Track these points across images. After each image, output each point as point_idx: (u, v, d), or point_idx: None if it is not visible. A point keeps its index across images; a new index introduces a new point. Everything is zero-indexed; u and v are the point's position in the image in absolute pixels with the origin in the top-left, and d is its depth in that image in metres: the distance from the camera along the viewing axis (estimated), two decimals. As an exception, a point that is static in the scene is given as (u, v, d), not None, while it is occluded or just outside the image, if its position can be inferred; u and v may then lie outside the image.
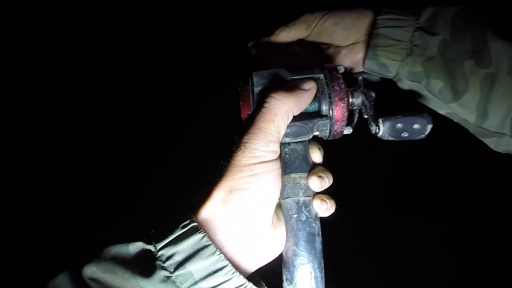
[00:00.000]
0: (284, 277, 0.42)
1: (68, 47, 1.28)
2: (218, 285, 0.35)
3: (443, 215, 1.08)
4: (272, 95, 0.39)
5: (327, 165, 0.46)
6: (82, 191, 1.08)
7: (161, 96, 1.24)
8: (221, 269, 0.35)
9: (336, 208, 0.44)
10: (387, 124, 0.42)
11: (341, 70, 0.45)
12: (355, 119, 0.47)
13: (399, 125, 0.42)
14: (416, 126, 0.42)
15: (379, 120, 0.43)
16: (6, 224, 1.04)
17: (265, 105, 0.39)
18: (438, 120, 0.46)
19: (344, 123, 0.43)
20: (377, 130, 0.43)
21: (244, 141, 0.38)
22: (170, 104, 1.22)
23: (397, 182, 0.95)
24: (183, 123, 1.20)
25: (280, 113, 0.39)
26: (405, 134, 0.43)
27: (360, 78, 0.46)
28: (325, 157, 0.46)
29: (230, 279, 0.35)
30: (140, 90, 1.26)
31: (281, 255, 0.43)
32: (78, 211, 1.03)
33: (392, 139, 0.44)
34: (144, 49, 1.30)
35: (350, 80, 0.46)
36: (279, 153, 0.40)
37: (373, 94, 0.45)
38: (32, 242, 0.97)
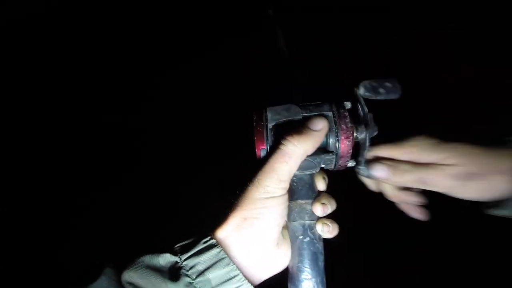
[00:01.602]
0: None
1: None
2: None
3: (450, 240, 1.09)
4: (288, 138, 0.44)
5: (331, 192, 0.51)
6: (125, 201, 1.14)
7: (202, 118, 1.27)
8: (234, 277, 0.42)
9: (340, 231, 0.49)
10: (367, 169, 0.49)
11: (348, 106, 0.49)
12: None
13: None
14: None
15: (362, 166, 0.49)
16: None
17: (281, 147, 0.44)
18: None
19: (349, 158, 0.48)
20: (359, 171, 0.50)
21: (258, 178, 0.44)
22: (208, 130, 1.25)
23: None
24: (177, 114, 1.21)
25: (295, 157, 0.44)
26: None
27: (363, 109, 0.48)
28: (329, 184, 0.52)
29: (241, 285, 0.42)
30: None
31: (286, 270, 0.49)
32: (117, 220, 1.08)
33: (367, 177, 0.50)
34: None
35: (356, 113, 0.49)
36: (288, 188, 0.46)
37: (376, 129, 0.48)
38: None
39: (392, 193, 0.53)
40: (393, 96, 0.46)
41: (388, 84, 0.46)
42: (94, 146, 1.22)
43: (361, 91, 0.46)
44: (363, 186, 0.56)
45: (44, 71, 1.29)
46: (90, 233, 1.06)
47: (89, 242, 0.99)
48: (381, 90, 0.46)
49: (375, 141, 0.49)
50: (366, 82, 0.46)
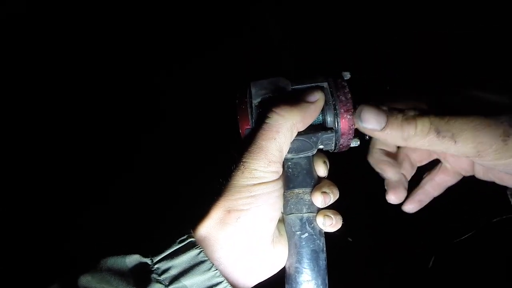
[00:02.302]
0: None
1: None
2: None
3: (459, 229, 1.05)
4: (274, 109, 0.36)
5: (334, 178, 0.44)
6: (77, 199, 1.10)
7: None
8: (216, 285, 0.35)
9: (343, 224, 0.42)
10: None
11: (347, 77, 0.42)
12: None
13: None
14: None
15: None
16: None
17: (267, 120, 0.36)
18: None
19: (351, 135, 0.41)
20: (367, 138, 0.42)
21: (244, 160, 0.36)
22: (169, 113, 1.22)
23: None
24: (176, 114, 1.19)
25: (283, 130, 0.36)
26: None
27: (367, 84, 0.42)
28: (330, 170, 0.44)
29: None
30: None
31: (283, 271, 0.42)
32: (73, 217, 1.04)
33: None
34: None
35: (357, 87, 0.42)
36: (280, 173, 0.38)
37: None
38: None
39: (383, 158, 0.44)
40: None
41: None
42: (92, 144, 1.17)
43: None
44: (371, 171, 0.48)
45: (45, 70, 1.25)
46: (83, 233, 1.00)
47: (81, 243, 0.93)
48: None
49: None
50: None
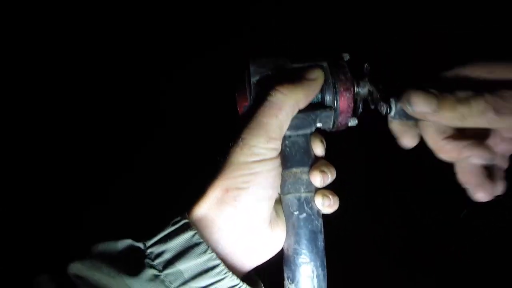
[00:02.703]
0: (285, 275, 0.40)
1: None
2: (210, 285, 0.34)
3: (457, 209, 1.07)
4: (277, 88, 0.36)
5: (330, 158, 0.43)
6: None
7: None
8: (212, 268, 0.34)
9: (340, 205, 0.41)
10: (399, 105, 0.37)
11: (346, 58, 0.42)
12: (360, 110, 0.43)
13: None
14: None
15: (391, 99, 0.38)
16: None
17: (269, 98, 0.36)
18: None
19: (350, 114, 0.41)
20: (389, 110, 0.38)
21: (243, 137, 0.35)
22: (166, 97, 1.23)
23: (408, 177, 0.94)
24: (176, 114, 1.20)
25: (286, 108, 0.35)
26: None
27: (366, 66, 0.42)
28: (327, 149, 0.44)
29: (222, 279, 0.34)
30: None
31: (281, 253, 0.41)
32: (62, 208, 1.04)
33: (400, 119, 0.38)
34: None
35: (356, 69, 0.42)
36: (279, 150, 0.38)
37: (380, 86, 0.41)
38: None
39: (440, 143, 0.36)
40: None
41: None
42: (96, 144, 1.17)
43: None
44: (370, 151, 0.47)
45: (46, 71, 1.22)
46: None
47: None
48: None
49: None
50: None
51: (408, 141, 0.39)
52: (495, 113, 0.30)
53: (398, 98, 0.36)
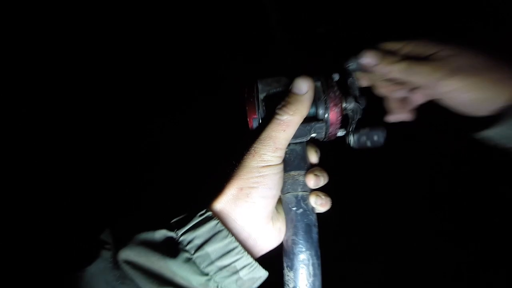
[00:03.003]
0: (285, 265, 0.47)
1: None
2: (231, 263, 0.41)
3: (447, 214, 1.11)
4: (284, 108, 0.44)
5: (325, 166, 0.51)
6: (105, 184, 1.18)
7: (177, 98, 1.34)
8: (233, 249, 0.41)
9: (332, 205, 0.49)
10: (355, 136, 0.48)
11: (336, 78, 0.50)
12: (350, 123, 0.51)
13: (363, 137, 0.48)
14: (375, 137, 0.48)
15: (352, 134, 0.49)
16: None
17: (278, 116, 0.43)
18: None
19: (338, 126, 0.48)
20: (349, 141, 0.49)
21: (255, 146, 0.43)
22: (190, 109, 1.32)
23: (398, 181, 1.01)
24: (199, 128, 1.28)
25: (293, 124, 0.44)
26: (368, 144, 0.49)
27: (353, 83, 0.50)
28: (321, 158, 0.52)
29: (240, 258, 0.41)
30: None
31: (281, 246, 0.48)
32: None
33: (359, 148, 0.49)
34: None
35: (344, 85, 0.50)
36: (283, 158, 0.45)
37: (364, 100, 0.49)
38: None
39: (381, 83, 0.54)
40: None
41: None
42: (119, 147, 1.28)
43: (352, 65, 0.49)
44: (358, 161, 0.56)
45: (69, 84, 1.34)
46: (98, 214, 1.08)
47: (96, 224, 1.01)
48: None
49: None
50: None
51: (362, 82, 0.56)
52: (409, 72, 0.47)
53: (356, 133, 0.49)
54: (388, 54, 0.49)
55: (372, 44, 0.52)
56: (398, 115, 0.56)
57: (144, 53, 1.39)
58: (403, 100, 0.55)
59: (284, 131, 0.44)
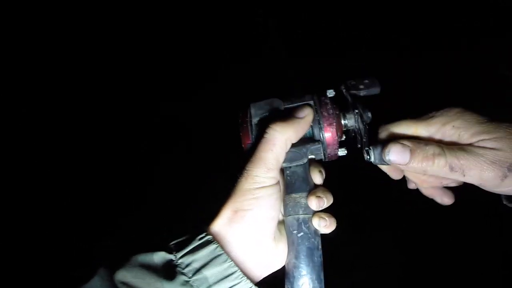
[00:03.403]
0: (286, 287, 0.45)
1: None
2: None
3: (443, 234, 1.08)
4: (271, 126, 0.44)
5: (332, 186, 0.49)
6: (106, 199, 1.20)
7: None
8: (231, 274, 0.40)
9: (338, 226, 0.46)
10: (377, 151, 0.45)
11: (331, 94, 0.48)
12: (343, 138, 0.49)
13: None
14: None
15: (369, 148, 0.45)
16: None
17: (265, 136, 0.43)
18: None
19: (336, 146, 0.47)
20: (368, 158, 0.46)
21: (247, 168, 0.43)
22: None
23: (404, 200, 0.98)
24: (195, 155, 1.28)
25: (279, 143, 0.43)
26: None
27: (349, 99, 0.48)
28: (326, 178, 0.50)
29: (239, 282, 0.40)
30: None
31: (284, 268, 0.47)
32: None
33: (380, 163, 0.46)
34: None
35: (345, 102, 0.49)
36: (278, 178, 0.45)
37: (369, 114, 0.46)
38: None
39: (418, 179, 0.47)
40: (374, 91, 0.47)
41: (366, 81, 0.46)
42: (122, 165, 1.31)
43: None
44: (368, 180, 0.54)
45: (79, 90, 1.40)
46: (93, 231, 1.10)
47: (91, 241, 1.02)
48: (361, 86, 0.46)
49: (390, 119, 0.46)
50: (348, 81, 0.47)
51: (394, 175, 0.50)
52: (450, 170, 0.40)
53: (375, 148, 0.44)
54: (418, 144, 0.42)
55: (388, 123, 0.46)
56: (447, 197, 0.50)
57: (144, 53, 1.42)
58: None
59: (272, 150, 0.43)
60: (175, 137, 1.34)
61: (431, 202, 0.50)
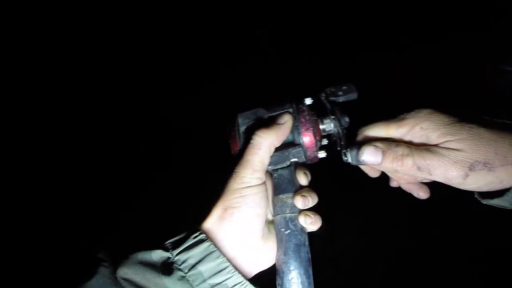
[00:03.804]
0: (277, 283, 0.48)
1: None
2: (222, 282, 0.44)
3: (430, 235, 1.11)
4: (256, 132, 0.49)
5: (318, 186, 0.53)
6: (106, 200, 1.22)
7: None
8: (224, 269, 0.44)
9: (324, 223, 0.50)
10: (353, 153, 0.49)
11: (308, 102, 0.53)
12: (325, 143, 0.54)
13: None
14: None
15: (346, 150, 0.50)
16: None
17: (251, 141, 0.48)
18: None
19: (315, 149, 0.51)
20: (346, 159, 0.50)
21: (235, 170, 0.48)
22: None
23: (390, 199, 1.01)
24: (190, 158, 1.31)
25: (263, 147, 0.48)
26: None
27: (328, 105, 0.52)
28: (312, 180, 0.54)
29: (231, 276, 0.44)
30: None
31: (275, 265, 0.50)
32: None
33: (357, 164, 0.50)
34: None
35: (323, 105, 0.52)
36: (264, 179, 0.49)
37: (347, 119, 0.51)
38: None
39: (395, 176, 0.52)
40: (352, 97, 0.51)
41: (344, 88, 0.50)
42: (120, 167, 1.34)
43: (323, 96, 0.51)
44: (353, 180, 0.57)
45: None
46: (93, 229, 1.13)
47: (91, 239, 1.04)
48: (340, 93, 0.50)
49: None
50: (327, 89, 0.51)
51: (372, 174, 0.54)
52: (417, 169, 0.44)
53: (352, 150, 0.49)
54: (389, 145, 0.45)
55: (365, 125, 0.50)
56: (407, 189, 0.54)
57: (144, 53, 1.45)
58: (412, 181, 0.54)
59: (257, 154, 0.47)
60: (175, 137, 1.36)
61: (413, 198, 0.54)
